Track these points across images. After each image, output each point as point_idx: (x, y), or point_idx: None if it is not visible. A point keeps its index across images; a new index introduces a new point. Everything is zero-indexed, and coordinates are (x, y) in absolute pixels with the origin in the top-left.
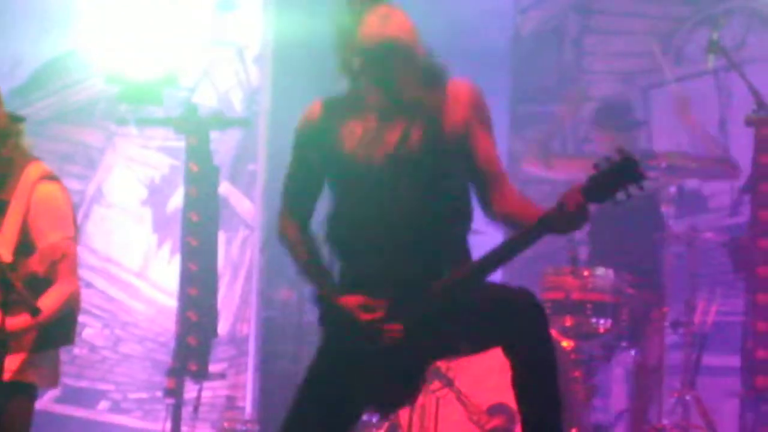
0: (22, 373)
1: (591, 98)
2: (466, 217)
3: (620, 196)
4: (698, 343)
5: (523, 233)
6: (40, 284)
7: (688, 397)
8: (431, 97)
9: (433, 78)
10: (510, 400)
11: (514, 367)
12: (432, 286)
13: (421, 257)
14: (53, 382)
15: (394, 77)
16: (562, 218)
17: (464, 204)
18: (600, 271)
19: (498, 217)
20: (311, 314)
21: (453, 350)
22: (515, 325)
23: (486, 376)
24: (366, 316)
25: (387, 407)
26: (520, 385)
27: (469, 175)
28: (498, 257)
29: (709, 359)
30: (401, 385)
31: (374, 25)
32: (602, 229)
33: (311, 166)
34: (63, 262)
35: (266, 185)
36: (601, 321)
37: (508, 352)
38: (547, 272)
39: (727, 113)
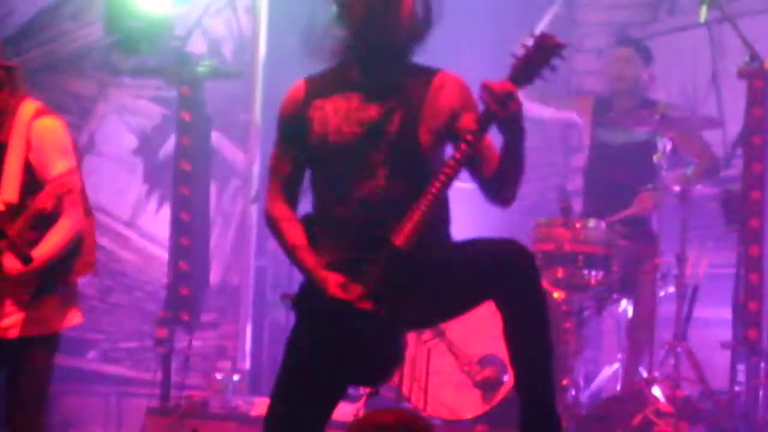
0: (26, 327)
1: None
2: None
3: (545, 72)
4: (690, 296)
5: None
6: (50, 219)
7: (679, 349)
8: (415, 83)
9: (420, 68)
10: (501, 351)
11: (505, 319)
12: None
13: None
14: (73, 318)
15: (378, 58)
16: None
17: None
18: (592, 222)
19: (490, 182)
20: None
21: (441, 316)
22: (506, 276)
23: (477, 327)
24: (339, 293)
25: (371, 382)
26: (512, 336)
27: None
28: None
29: (700, 311)
30: (382, 359)
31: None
32: (597, 180)
33: (296, 144)
34: (68, 195)
35: (259, 135)
36: (593, 272)
37: (500, 303)
38: (539, 223)
39: (719, 65)
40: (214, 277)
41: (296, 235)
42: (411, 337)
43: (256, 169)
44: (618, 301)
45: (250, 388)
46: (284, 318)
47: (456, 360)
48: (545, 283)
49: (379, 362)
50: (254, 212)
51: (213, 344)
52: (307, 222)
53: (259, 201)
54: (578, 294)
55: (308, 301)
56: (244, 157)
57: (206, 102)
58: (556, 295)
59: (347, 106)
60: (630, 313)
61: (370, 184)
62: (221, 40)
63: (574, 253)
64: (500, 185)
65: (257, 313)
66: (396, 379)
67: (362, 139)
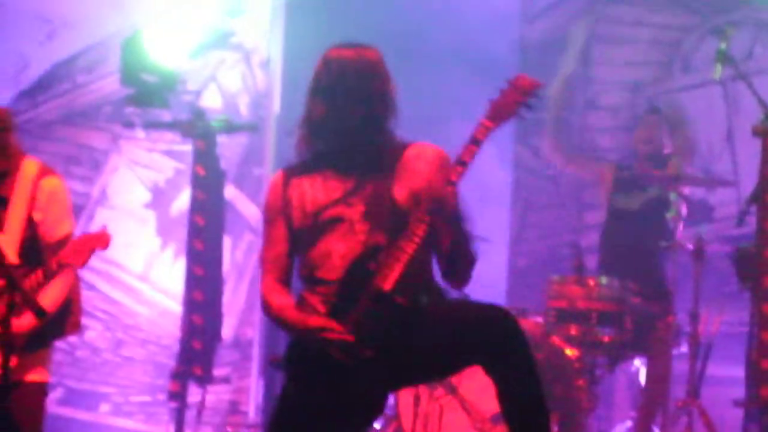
0: (27, 372)
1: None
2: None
3: (522, 111)
4: (703, 353)
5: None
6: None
7: (692, 407)
8: (389, 154)
9: (396, 142)
10: None
11: (497, 385)
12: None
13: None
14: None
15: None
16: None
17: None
18: (605, 280)
19: (444, 261)
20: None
21: (424, 378)
22: (491, 343)
23: (490, 383)
24: (319, 323)
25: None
26: (505, 401)
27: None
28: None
29: (713, 369)
30: (363, 410)
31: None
32: (614, 245)
33: (281, 227)
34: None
35: None
36: (606, 330)
37: (489, 371)
38: (553, 281)
39: (734, 123)
40: (227, 331)
41: (281, 301)
42: (423, 393)
43: None
44: (631, 358)
45: None
46: None
47: (468, 417)
48: (558, 341)
49: (364, 406)
50: None
51: (226, 398)
52: (299, 297)
53: None
54: (591, 351)
55: (295, 356)
56: (258, 211)
57: (220, 156)
58: (569, 352)
59: (323, 179)
60: (643, 370)
61: (350, 241)
62: (236, 94)
63: (587, 310)
64: (453, 268)
65: (269, 368)
66: None
67: (338, 202)
